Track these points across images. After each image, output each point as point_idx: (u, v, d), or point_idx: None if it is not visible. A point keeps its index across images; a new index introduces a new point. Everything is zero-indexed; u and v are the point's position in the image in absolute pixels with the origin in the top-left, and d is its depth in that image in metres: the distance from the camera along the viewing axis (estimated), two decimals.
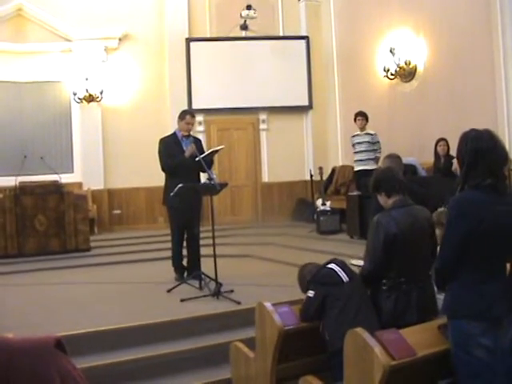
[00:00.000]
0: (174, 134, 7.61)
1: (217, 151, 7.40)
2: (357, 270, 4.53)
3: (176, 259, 7.62)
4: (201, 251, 7.42)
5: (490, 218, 3.07)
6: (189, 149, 7.24)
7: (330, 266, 4.29)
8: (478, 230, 3.06)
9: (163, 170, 7.47)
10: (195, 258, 7.38)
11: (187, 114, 7.58)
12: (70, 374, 1.30)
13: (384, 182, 4.26)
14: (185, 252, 7.65)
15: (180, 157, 7.27)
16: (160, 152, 7.49)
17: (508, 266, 3.37)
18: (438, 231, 4.12)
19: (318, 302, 4.08)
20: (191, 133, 7.72)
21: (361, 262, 4.52)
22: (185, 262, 7.64)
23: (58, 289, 7.65)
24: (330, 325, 3.99)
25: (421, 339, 3.41)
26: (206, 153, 7.09)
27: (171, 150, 7.38)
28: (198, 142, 7.63)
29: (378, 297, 4.11)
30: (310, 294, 4.17)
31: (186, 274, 7.51)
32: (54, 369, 1.28)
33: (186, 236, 7.61)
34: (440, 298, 3.78)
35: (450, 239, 3.18)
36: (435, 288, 3.90)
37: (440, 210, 4.88)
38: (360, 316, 3.91)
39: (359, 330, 3.30)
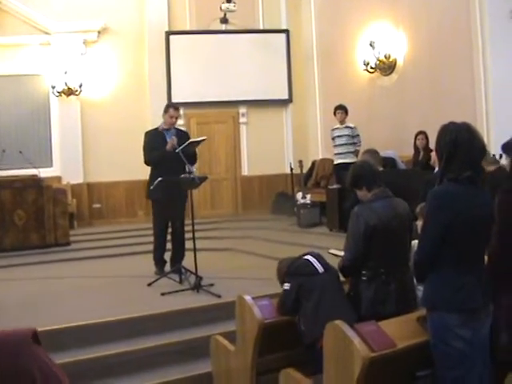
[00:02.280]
0: (159, 127, 7.61)
1: (198, 142, 7.33)
2: (335, 260, 4.54)
3: (157, 253, 7.59)
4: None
5: (467, 210, 3.10)
6: (170, 142, 7.22)
7: (305, 257, 4.31)
8: (456, 223, 3.08)
9: (146, 163, 7.47)
10: (180, 252, 7.41)
11: (170, 108, 7.59)
12: (46, 365, 1.30)
13: (364, 177, 4.26)
14: (169, 246, 7.63)
15: (161, 150, 7.26)
16: (144, 145, 7.50)
17: (486, 257, 3.41)
18: (420, 222, 4.11)
19: (295, 293, 4.09)
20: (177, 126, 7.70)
21: (339, 252, 4.53)
22: (167, 256, 7.61)
23: (37, 283, 7.59)
24: (306, 317, 4.00)
25: (400, 331, 3.44)
26: (184, 144, 7.01)
27: (155, 143, 7.37)
28: (184, 134, 7.64)
29: (358, 287, 4.13)
30: (286, 286, 4.18)
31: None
32: (33, 361, 1.28)
33: (170, 230, 7.60)
34: (420, 289, 3.81)
35: (428, 232, 3.20)
36: (414, 280, 3.92)
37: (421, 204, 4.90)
38: (336, 308, 3.92)
39: (339, 322, 3.31)
